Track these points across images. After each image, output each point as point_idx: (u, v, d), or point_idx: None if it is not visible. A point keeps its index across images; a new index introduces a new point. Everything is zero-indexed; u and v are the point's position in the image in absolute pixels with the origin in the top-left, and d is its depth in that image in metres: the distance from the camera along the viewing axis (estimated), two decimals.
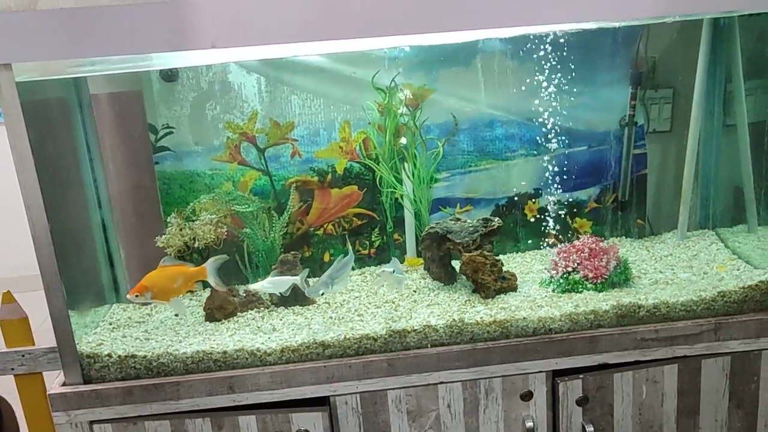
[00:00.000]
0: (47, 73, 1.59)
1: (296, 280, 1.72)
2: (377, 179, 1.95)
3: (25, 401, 2.46)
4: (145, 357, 1.60)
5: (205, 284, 1.77)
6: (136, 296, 1.65)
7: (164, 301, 1.69)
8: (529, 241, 2.04)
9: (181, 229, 1.75)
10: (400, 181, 1.93)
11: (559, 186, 1.99)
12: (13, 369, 2.40)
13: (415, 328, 1.63)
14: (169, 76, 1.85)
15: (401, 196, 1.94)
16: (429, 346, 1.63)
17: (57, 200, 1.60)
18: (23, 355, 2.37)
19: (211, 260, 1.70)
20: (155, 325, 1.79)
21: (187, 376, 1.59)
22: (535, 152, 1.98)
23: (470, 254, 1.75)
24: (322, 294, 1.67)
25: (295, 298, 1.80)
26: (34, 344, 2.39)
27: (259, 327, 1.73)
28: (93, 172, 1.85)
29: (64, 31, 1.36)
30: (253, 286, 1.75)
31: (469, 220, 1.84)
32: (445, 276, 1.86)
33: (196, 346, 1.63)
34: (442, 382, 1.62)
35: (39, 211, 1.48)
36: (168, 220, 1.79)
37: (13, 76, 1.39)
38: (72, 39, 1.37)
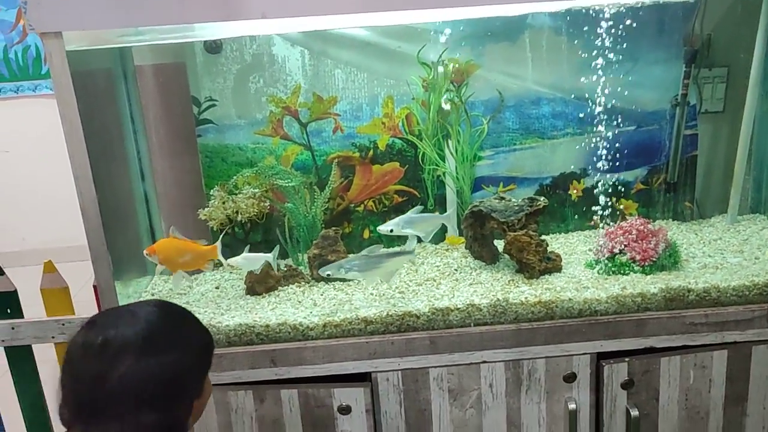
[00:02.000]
0: (96, 43, 1.59)
1: (269, 257, 1.72)
2: (420, 156, 1.92)
3: None
4: None
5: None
6: (148, 255, 1.67)
7: (171, 270, 1.70)
8: (574, 222, 2.01)
9: (223, 203, 1.75)
10: (443, 158, 1.90)
11: (606, 166, 1.94)
12: (53, 337, 2.44)
13: (459, 306, 1.61)
14: (213, 48, 1.84)
15: (443, 174, 1.91)
16: (472, 325, 1.62)
17: (103, 171, 1.61)
18: (63, 324, 2.41)
19: (220, 241, 1.70)
20: (196, 297, 1.80)
21: (230, 349, 1.60)
22: (581, 131, 1.93)
23: (515, 234, 1.72)
24: (329, 275, 1.66)
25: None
26: (74, 314, 2.44)
27: (300, 302, 1.72)
28: (137, 145, 1.85)
29: (114, 0, 1.36)
30: (229, 261, 1.74)
31: (513, 199, 1.81)
32: (487, 255, 1.83)
33: (238, 318, 1.64)
34: (484, 362, 1.60)
35: (87, 182, 1.49)
36: (211, 193, 1.79)
37: (64, 44, 1.39)
38: (122, 8, 1.36)
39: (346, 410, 1.58)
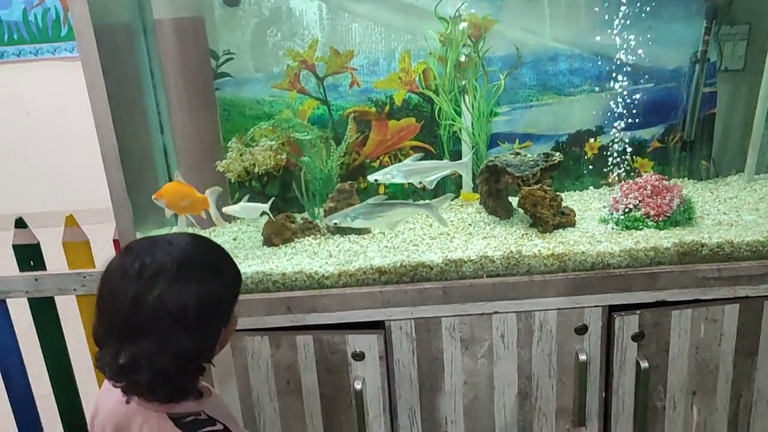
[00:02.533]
0: None
1: (265, 207, 1.76)
2: (436, 111, 1.93)
3: (85, 320, 2.57)
4: None
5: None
6: (156, 199, 1.70)
7: (177, 213, 1.74)
8: (589, 180, 2.01)
9: (241, 154, 1.77)
10: (459, 114, 1.91)
11: (622, 124, 1.93)
12: (75, 290, 2.50)
13: (472, 258, 1.63)
14: (231, 1, 1.84)
15: (459, 129, 1.92)
16: (485, 276, 1.64)
17: (123, 124, 1.63)
18: (84, 277, 2.46)
19: (209, 191, 1.72)
20: None
21: (247, 296, 1.63)
22: (599, 88, 1.93)
23: (530, 188, 1.73)
24: (336, 224, 1.70)
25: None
26: (94, 267, 2.49)
27: (315, 253, 1.75)
28: (156, 98, 1.88)
29: None
30: (226, 209, 1.78)
31: (528, 155, 1.82)
32: (501, 210, 1.85)
33: (255, 267, 1.67)
34: (496, 312, 1.62)
35: (108, 130, 1.52)
36: (228, 145, 1.81)
37: None
38: None
39: (359, 356, 1.62)
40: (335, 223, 1.70)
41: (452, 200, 1.99)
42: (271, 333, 1.63)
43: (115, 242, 2.40)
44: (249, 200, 1.77)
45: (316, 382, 1.65)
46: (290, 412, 1.68)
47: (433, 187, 1.73)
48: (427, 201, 1.72)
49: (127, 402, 1.12)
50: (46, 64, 5.00)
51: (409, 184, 1.72)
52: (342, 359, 1.63)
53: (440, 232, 1.80)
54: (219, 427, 1.12)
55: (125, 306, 1.04)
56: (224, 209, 1.77)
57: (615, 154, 1.95)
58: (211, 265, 1.12)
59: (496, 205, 1.85)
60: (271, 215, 1.76)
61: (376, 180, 1.71)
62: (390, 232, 1.78)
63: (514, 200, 1.87)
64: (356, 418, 1.64)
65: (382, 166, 1.99)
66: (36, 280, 2.48)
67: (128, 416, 1.13)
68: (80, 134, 5.06)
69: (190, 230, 1.88)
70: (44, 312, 2.52)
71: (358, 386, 1.62)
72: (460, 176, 1.97)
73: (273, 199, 1.77)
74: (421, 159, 1.72)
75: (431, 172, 1.72)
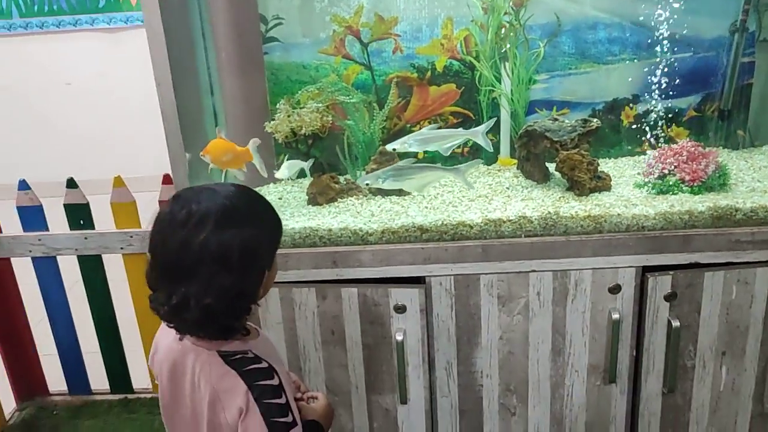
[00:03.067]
0: None
1: (305, 164, 1.85)
2: (476, 78, 1.98)
3: (131, 278, 2.69)
4: None
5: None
6: (203, 156, 1.77)
7: (221, 168, 1.81)
8: (624, 148, 2.05)
9: (288, 116, 1.85)
10: (500, 81, 1.96)
11: (659, 92, 1.97)
12: (122, 248, 2.61)
13: (510, 218, 1.70)
14: None
15: (499, 96, 1.97)
16: (523, 236, 1.70)
17: (178, 84, 1.71)
18: (131, 236, 2.58)
19: (250, 143, 1.80)
20: None
21: (295, 250, 1.72)
22: (636, 57, 1.96)
23: (567, 152, 1.78)
24: (368, 185, 1.78)
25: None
26: (140, 227, 2.59)
27: (358, 212, 1.83)
28: (207, 61, 1.95)
29: None
30: (278, 175, 1.88)
31: (567, 121, 1.86)
32: (539, 174, 1.90)
33: (302, 223, 1.75)
34: (533, 271, 1.69)
35: (168, 88, 1.61)
36: (277, 106, 1.88)
37: None
38: None
39: (401, 309, 1.70)
40: (367, 184, 1.77)
41: (489, 165, 2.05)
42: (317, 285, 1.71)
43: (161, 203, 2.50)
44: (290, 159, 1.86)
45: (359, 333, 1.73)
46: (334, 360, 1.76)
47: (448, 154, 1.79)
48: (456, 166, 1.78)
49: (180, 340, 1.22)
50: (84, 35, 5.11)
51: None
52: (384, 312, 1.71)
53: (479, 194, 1.86)
54: (264, 365, 1.20)
55: (174, 250, 1.13)
56: (276, 175, 1.85)
57: (651, 123, 1.99)
58: (253, 212, 1.21)
59: (534, 170, 1.90)
60: (309, 172, 1.85)
61: (394, 149, 1.79)
62: (419, 193, 1.84)
63: (550, 166, 1.92)
64: (396, 368, 1.73)
65: None
66: (85, 238, 2.60)
67: (182, 354, 1.23)
68: (117, 104, 5.21)
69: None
70: (92, 269, 2.65)
71: (399, 337, 1.70)
72: (498, 142, 2.03)
73: (313, 159, 1.84)
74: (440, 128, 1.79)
75: (447, 140, 1.78)
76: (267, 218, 1.24)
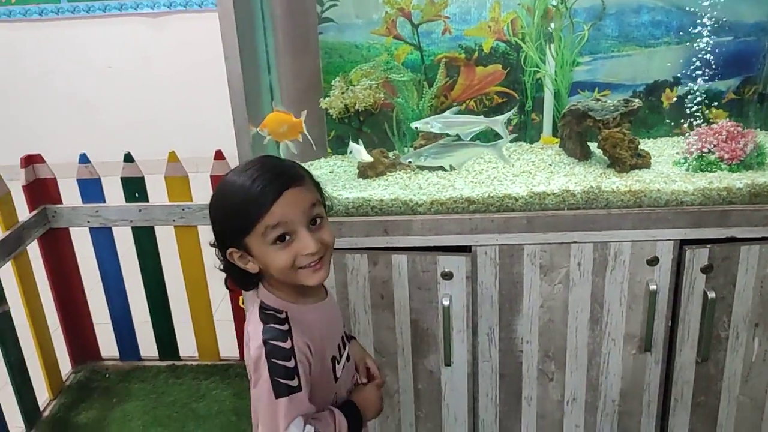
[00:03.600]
0: None
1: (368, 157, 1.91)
2: (521, 59, 2.06)
3: (181, 250, 2.82)
4: None
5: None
6: (260, 130, 1.84)
7: (278, 140, 1.89)
8: (663, 129, 2.12)
9: (343, 92, 1.95)
10: (544, 62, 2.04)
11: (699, 75, 2.03)
12: (174, 221, 2.75)
13: (554, 191, 1.78)
14: None
15: (543, 77, 2.05)
16: (566, 209, 1.78)
17: (243, 58, 1.82)
18: (183, 209, 2.71)
19: (304, 113, 1.88)
20: None
21: (348, 218, 1.82)
22: (678, 40, 2.03)
23: (609, 131, 1.86)
24: (410, 162, 1.86)
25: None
26: (192, 200, 2.72)
27: (406, 185, 1.92)
28: (265, 39, 2.06)
29: None
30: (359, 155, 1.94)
31: (609, 101, 1.94)
32: (580, 152, 1.98)
33: (355, 193, 1.85)
34: (575, 242, 1.77)
35: (236, 61, 1.71)
36: (332, 83, 1.98)
37: None
38: None
39: (448, 276, 1.79)
40: (410, 161, 1.86)
41: (531, 144, 2.13)
42: (369, 252, 1.82)
43: (212, 178, 2.63)
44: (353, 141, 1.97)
45: (408, 298, 1.83)
46: (382, 323, 1.87)
47: (468, 139, 1.86)
48: (493, 142, 1.87)
49: (247, 290, 1.37)
50: (128, 19, 5.27)
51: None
52: (432, 278, 1.80)
53: (523, 170, 1.95)
54: (284, 327, 1.27)
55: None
56: (360, 158, 1.94)
57: (690, 104, 2.05)
58: (228, 186, 1.27)
59: (576, 148, 1.98)
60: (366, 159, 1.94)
61: (416, 127, 1.88)
62: (458, 170, 1.93)
63: (591, 146, 2.00)
64: (442, 332, 1.83)
65: (467, 110, 2.14)
66: (140, 210, 2.73)
67: (250, 301, 1.37)
68: (158, 86, 5.36)
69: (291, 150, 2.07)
70: (145, 241, 2.78)
71: (445, 303, 1.80)
72: (542, 121, 2.11)
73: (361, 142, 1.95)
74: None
75: (467, 125, 1.86)
76: (234, 194, 1.25)
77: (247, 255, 1.27)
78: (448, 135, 1.85)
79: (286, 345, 1.24)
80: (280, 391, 1.22)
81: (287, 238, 1.24)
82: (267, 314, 1.29)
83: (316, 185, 1.33)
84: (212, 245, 1.31)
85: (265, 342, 1.24)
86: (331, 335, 1.38)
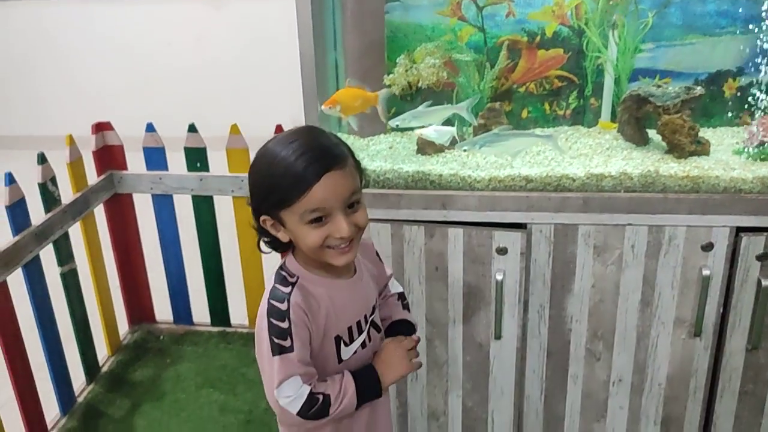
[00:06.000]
0: None
1: (453, 131, 1.94)
2: (584, 44, 2.08)
3: (238, 220, 2.92)
4: (374, 171, 1.90)
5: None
6: (329, 108, 1.87)
7: (345, 116, 1.92)
8: (724, 119, 2.12)
9: (407, 70, 2.00)
10: (606, 48, 2.06)
11: (763, 65, 2.03)
12: (232, 191, 2.85)
13: (612, 173, 1.81)
14: None
15: (604, 62, 2.07)
16: (622, 191, 1.81)
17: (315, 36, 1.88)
18: (242, 180, 2.80)
19: (383, 90, 1.94)
20: (373, 153, 2.08)
21: (407, 191, 1.88)
22: (743, 30, 2.02)
23: (670, 116, 1.88)
24: (465, 150, 1.89)
25: None
26: None
27: (465, 163, 1.97)
28: (333, 17, 2.12)
29: None
30: (422, 131, 1.96)
31: (670, 87, 1.95)
32: (638, 137, 2.00)
33: (415, 167, 1.91)
34: (630, 224, 1.80)
35: (308, 42, 1.79)
36: (397, 60, 2.04)
37: None
38: None
39: (503, 251, 1.84)
40: (465, 150, 1.90)
41: (590, 128, 2.16)
42: (426, 225, 1.87)
43: None
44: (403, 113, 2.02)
45: (461, 271, 1.89)
46: (435, 294, 1.93)
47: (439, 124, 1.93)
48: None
49: (278, 252, 1.42)
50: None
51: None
52: (487, 252, 1.85)
53: (580, 153, 1.98)
54: (287, 290, 1.32)
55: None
56: (418, 132, 1.98)
57: (752, 95, 2.05)
58: (269, 154, 1.28)
59: (634, 133, 2.00)
60: (458, 138, 1.95)
61: (397, 125, 1.94)
62: (512, 159, 1.96)
63: (650, 132, 2.02)
64: (494, 305, 1.88)
65: (527, 92, 2.18)
66: (201, 180, 2.84)
67: None
68: (214, 62, 5.51)
69: (350, 137, 2.14)
70: (204, 210, 2.89)
71: (499, 277, 1.85)
72: (600, 106, 2.13)
73: (457, 122, 1.99)
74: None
75: (435, 113, 1.92)
76: (275, 167, 1.26)
77: (279, 225, 1.31)
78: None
79: (283, 306, 1.30)
80: (274, 349, 1.29)
81: (323, 219, 1.26)
82: (281, 275, 1.36)
83: (357, 165, 1.35)
84: (248, 204, 1.35)
85: (268, 301, 1.32)
86: (342, 315, 1.38)
